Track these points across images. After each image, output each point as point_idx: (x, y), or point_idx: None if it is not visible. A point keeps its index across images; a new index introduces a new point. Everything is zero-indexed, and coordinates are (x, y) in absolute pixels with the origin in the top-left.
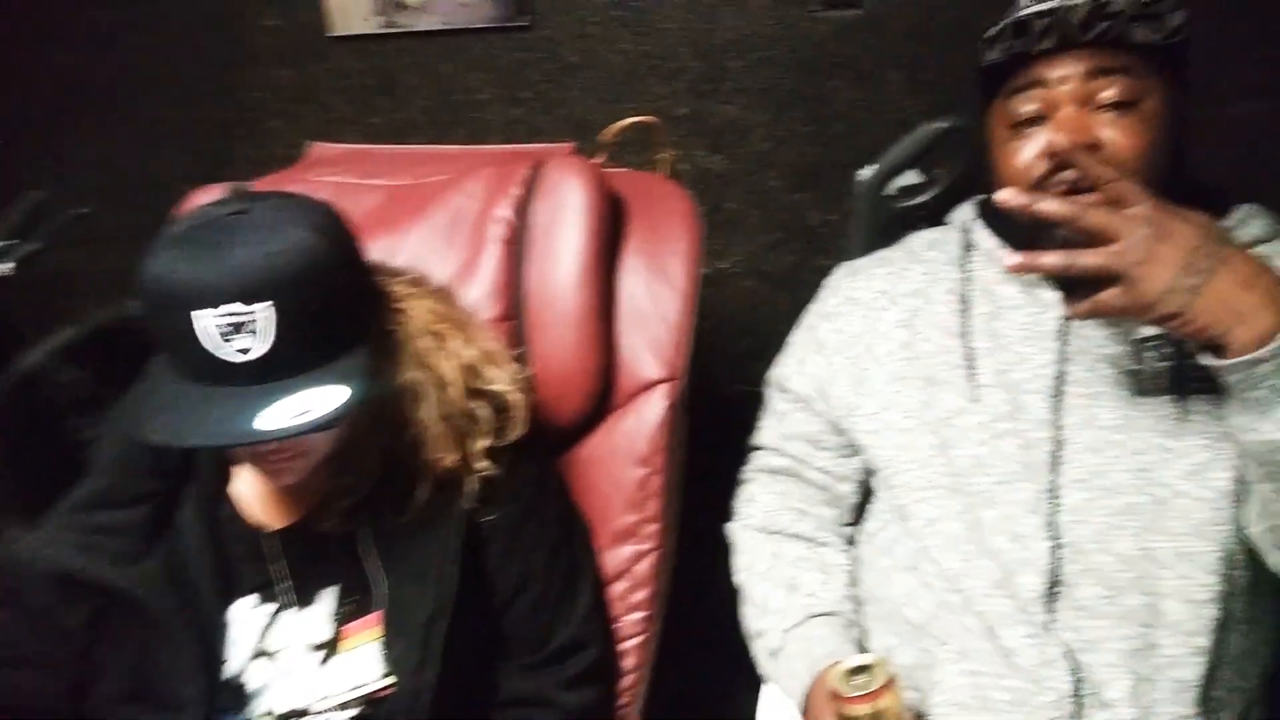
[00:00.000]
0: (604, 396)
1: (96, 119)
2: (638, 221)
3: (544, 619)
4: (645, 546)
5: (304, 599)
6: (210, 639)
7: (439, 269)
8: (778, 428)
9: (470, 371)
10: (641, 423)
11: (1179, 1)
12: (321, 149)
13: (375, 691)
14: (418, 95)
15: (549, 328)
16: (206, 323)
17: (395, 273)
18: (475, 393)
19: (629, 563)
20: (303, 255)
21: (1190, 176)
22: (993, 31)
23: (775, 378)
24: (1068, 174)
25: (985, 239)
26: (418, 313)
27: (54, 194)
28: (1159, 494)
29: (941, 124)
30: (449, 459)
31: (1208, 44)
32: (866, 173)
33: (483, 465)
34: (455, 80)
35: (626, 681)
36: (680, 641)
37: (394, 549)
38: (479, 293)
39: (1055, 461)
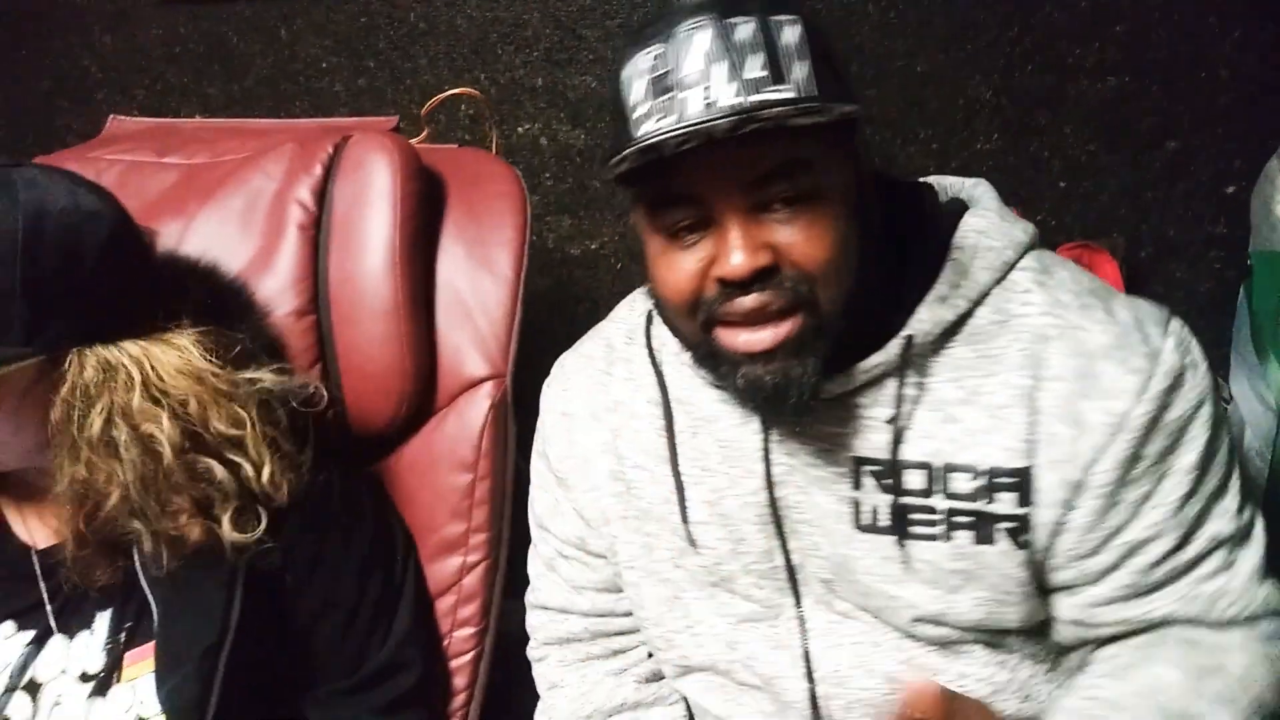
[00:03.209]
0: (424, 397)
1: None
2: (459, 205)
3: (355, 643)
4: (473, 558)
5: (75, 625)
6: None
7: (232, 257)
8: (555, 580)
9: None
10: (464, 425)
11: (844, 86)
12: (120, 123)
13: None
14: (255, 64)
15: (356, 323)
16: None
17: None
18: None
19: (456, 575)
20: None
21: (888, 233)
22: (618, 156)
23: (534, 515)
24: (748, 300)
25: (666, 333)
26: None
27: None
28: (894, 634)
29: None
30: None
31: None
32: None
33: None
34: (296, 48)
35: (456, 702)
36: (519, 659)
37: (168, 573)
38: (276, 284)
39: (796, 593)
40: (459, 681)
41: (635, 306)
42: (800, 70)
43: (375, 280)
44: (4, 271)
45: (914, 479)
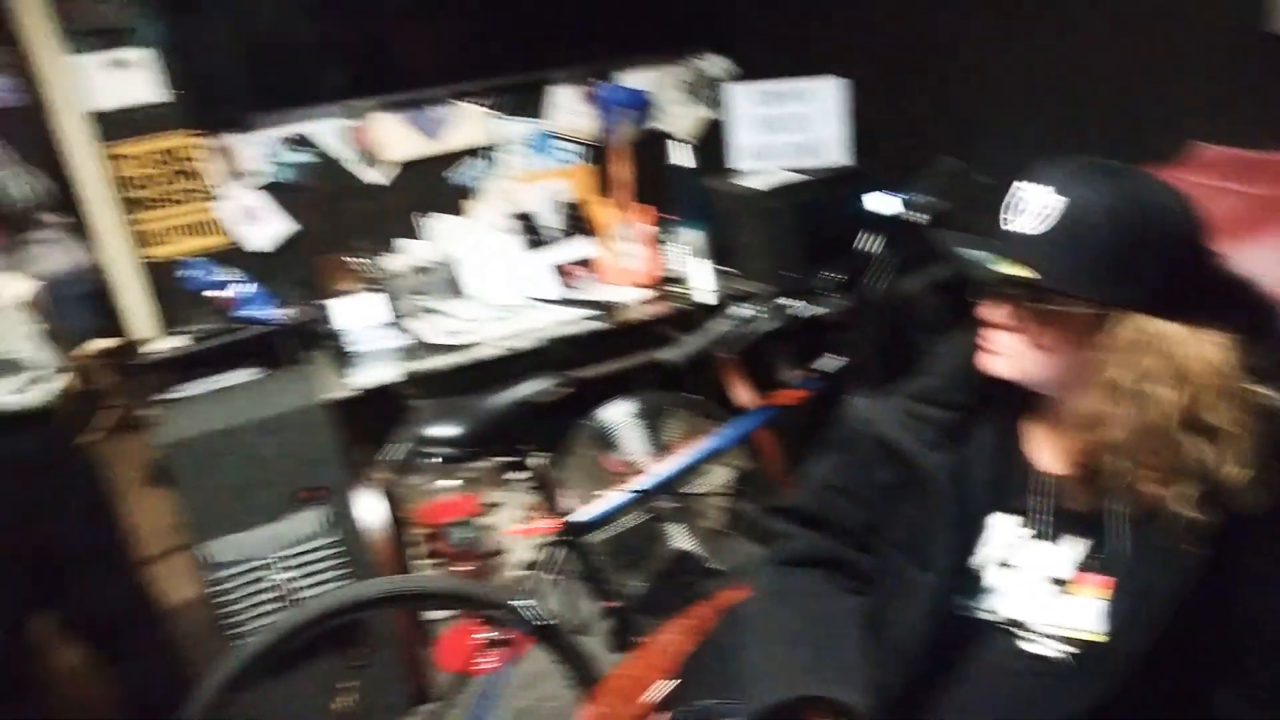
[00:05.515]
0: None
1: (1007, 104)
2: None
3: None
4: None
5: (1054, 537)
6: (967, 531)
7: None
8: None
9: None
10: None
11: None
12: (1199, 150)
13: (1086, 641)
14: None
15: None
16: (1019, 188)
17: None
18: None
19: None
20: (1138, 207)
21: None
22: None
23: None
24: None
25: None
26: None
27: (967, 163)
28: None
29: None
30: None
31: None
32: None
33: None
34: None
35: None
36: None
37: (1146, 525)
38: None
39: None
40: None
41: None
42: None
43: None
44: (1092, 234)
45: None
